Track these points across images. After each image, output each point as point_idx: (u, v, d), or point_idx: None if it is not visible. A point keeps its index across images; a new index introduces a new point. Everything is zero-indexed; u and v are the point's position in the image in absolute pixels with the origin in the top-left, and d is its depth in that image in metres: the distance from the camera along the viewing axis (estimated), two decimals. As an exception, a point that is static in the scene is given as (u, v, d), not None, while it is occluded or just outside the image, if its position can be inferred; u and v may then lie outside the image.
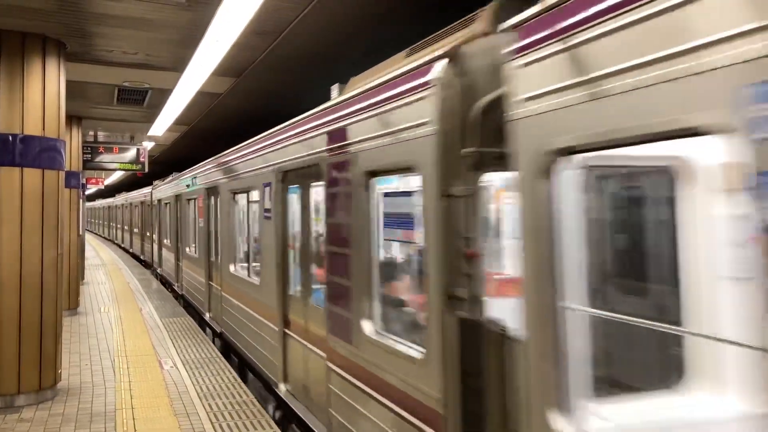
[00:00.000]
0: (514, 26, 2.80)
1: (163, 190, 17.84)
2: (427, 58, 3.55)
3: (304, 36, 6.91)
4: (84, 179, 19.44)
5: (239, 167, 8.70)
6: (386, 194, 4.29)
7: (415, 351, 3.66)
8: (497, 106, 2.97)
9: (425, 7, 6.07)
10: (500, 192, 3.38)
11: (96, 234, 52.96)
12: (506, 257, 3.43)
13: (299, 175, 6.20)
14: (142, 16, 6.29)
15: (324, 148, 5.17)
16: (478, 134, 3.15)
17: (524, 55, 2.70)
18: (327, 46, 7.42)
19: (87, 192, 29.66)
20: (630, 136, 2.13)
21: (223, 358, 8.76)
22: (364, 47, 7.41)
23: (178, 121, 12.86)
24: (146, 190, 23.38)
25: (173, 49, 7.53)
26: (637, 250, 3.19)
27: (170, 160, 21.15)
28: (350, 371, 4.59)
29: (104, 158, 14.95)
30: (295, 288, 6.57)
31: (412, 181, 3.77)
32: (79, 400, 6.81)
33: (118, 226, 36.62)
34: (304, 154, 5.81)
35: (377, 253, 4.26)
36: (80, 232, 13.80)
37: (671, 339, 2.98)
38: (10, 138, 6.52)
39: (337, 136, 4.81)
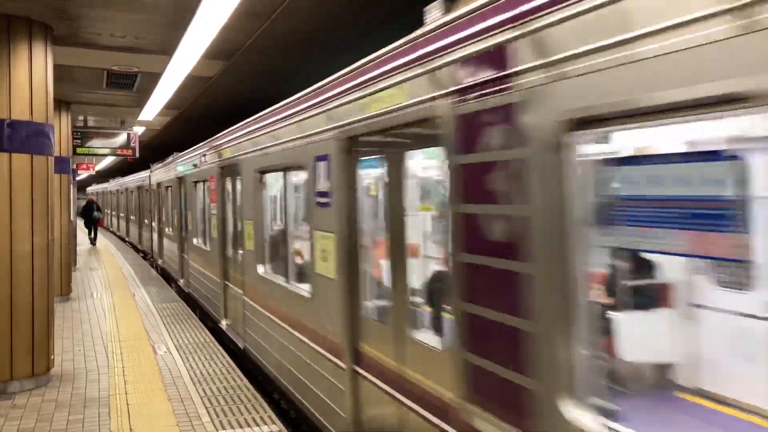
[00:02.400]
0: None
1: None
2: None
3: (295, 17, 6.82)
4: (74, 165, 19.28)
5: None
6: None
7: None
8: None
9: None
10: None
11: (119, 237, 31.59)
12: None
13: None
14: (129, -3, 6.19)
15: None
16: None
17: None
18: (319, 28, 7.33)
19: (85, 174, 26.37)
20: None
21: (216, 343, 8.75)
22: (356, 28, 7.33)
23: (169, 106, 12.75)
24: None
25: (162, 32, 7.43)
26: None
27: (162, 145, 20.99)
28: None
29: (94, 143, 14.80)
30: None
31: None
32: (72, 386, 6.80)
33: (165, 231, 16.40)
34: None
35: None
36: (71, 218, 13.70)
37: None
38: (-2, 123, 6.43)
39: None
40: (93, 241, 25.02)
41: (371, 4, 6.53)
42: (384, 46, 4.06)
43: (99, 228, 27.02)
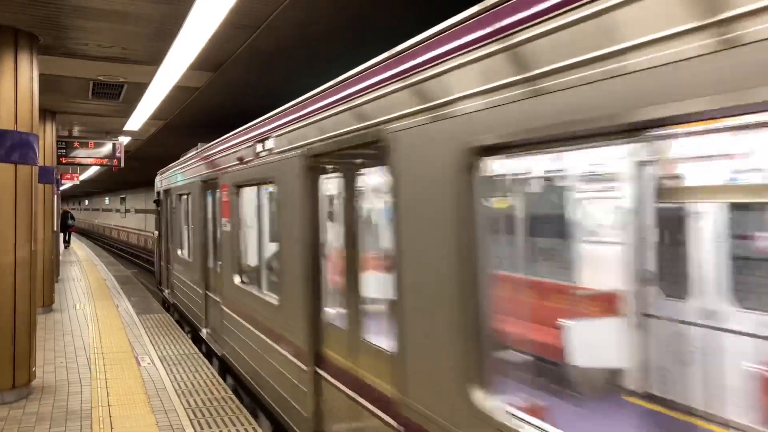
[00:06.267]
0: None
1: None
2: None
3: (283, 29, 6.86)
4: (58, 175, 19.14)
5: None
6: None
7: None
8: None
9: (405, 1, 6.08)
10: None
11: None
12: None
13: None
14: (117, 8, 6.20)
15: None
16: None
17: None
18: (307, 40, 7.38)
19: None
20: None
21: (201, 355, 8.70)
22: (345, 40, 7.39)
23: (155, 116, 12.72)
24: None
25: (149, 43, 7.44)
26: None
27: (147, 156, 20.90)
28: None
29: (79, 153, 14.72)
30: None
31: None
32: (54, 398, 6.72)
33: None
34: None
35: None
36: (54, 228, 13.59)
37: None
38: (-18, 132, 6.40)
39: None
40: (66, 245, 29.63)
41: (358, 19, 6.59)
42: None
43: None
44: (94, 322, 10.99)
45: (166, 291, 14.41)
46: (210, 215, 9.51)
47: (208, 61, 8.11)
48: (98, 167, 18.24)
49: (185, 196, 11.35)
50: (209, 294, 9.36)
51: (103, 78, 9.37)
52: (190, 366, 8.05)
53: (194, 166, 10.34)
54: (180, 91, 10.05)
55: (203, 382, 7.34)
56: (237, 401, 6.64)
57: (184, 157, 11.49)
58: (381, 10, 6.36)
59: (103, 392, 6.88)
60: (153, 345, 9.21)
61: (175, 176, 12.39)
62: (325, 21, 6.69)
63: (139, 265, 30.48)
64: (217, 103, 11.31)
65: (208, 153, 9.21)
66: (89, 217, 68.23)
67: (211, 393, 6.90)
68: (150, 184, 37.47)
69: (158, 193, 15.43)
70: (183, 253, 11.86)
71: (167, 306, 14.03)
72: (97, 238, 51.93)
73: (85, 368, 7.90)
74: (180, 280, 12.15)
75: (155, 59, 8.17)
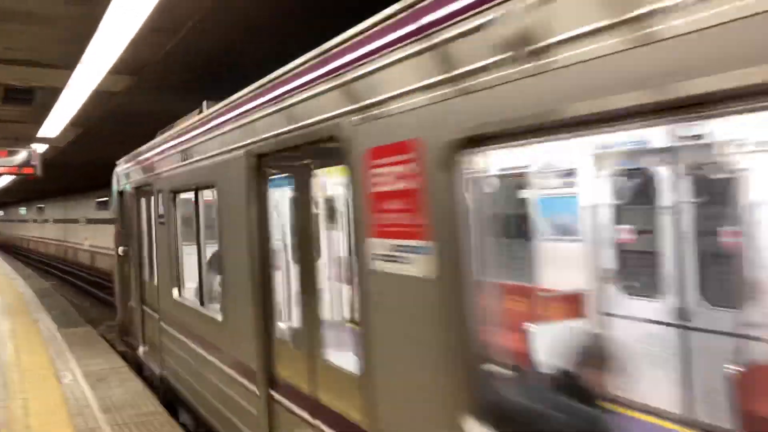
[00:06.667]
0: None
1: None
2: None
3: (204, 34, 6.74)
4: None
5: None
6: None
7: None
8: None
9: (330, 5, 6.08)
10: None
11: None
12: None
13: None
14: (24, 9, 5.93)
15: None
16: None
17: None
18: (229, 44, 7.28)
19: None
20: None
21: (128, 368, 8.39)
22: (269, 44, 7.32)
23: (75, 122, 12.21)
24: None
25: (63, 46, 7.15)
26: None
27: (68, 163, 20.02)
28: None
29: (-10, 162, 13.95)
30: None
31: None
32: (-34, 422, 6.34)
33: None
34: None
35: None
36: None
37: None
38: None
39: None
40: None
41: (282, 21, 6.55)
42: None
43: None
44: (11, 339, 10.41)
45: (142, 348, 8.71)
46: (280, 230, 4.88)
47: (129, 64, 7.85)
48: (12, 176, 17.34)
49: (190, 195, 6.41)
50: (282, 403, 4.22)
51: (13, 82, 8.94)
52: (117, 381, 7.75)
53: (216, 134, 5.40)
54: (100, 95, 9.69)
55: (131, 396, 7.09)
56: (167, 415, 6.45)
57: (181, 127, 6.72)
58: (304, 13, 6.35)
59: (21, 412, 6.53)
60: (76, 360, 8.81)
61: (164, 162, 7.13)
62: (249, 24, 6.62)
63: (59, 276, 29.11)
64: (141, 108, 10.97)
65: (291, 86, 4.08)
66: (2, 228, 64.66)
67: (139, 408, 6.67)
68: (71, 192, 36.03)
69: (121, 193, 9.92)
70: (189, 297, 6.74)
71: (143, 373, 8.68)
72: (12, 250, 49.32)
73: (2, 388, 7.48)
74: (183, 345, 6.67)
75: (69, 63, 7.84)
